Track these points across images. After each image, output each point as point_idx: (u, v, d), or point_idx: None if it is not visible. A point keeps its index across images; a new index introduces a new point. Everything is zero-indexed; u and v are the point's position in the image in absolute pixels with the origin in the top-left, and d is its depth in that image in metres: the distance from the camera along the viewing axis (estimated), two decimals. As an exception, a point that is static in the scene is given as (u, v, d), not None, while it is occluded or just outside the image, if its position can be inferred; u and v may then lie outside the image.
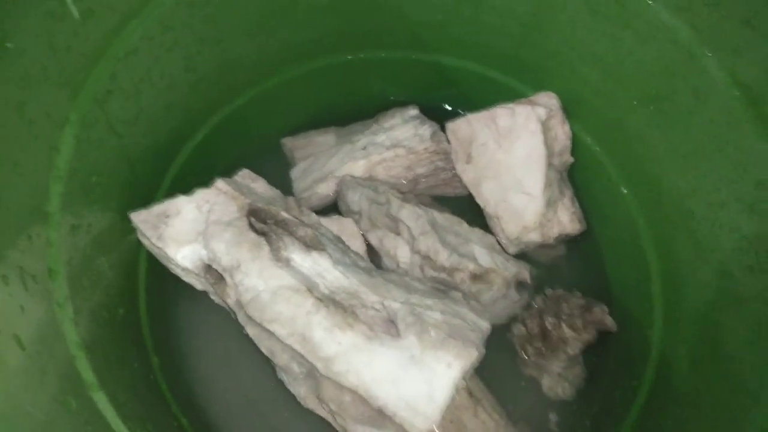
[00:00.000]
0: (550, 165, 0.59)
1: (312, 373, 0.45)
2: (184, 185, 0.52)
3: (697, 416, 0.46)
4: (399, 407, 0.43)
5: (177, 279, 0.52)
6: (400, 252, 0.58)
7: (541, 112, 0.58)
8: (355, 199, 0.60)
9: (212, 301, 0.53)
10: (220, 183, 0.51)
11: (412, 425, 0.43)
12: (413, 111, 0.64)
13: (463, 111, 0.65)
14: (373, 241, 0.59)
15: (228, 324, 0.52)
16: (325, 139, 0.64)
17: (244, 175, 0.56)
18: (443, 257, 0.56)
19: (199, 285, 0.53)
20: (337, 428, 0.46)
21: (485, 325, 0.48)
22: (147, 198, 0.51)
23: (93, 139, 0.44)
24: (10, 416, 0.25)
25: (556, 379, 0.55)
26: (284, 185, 0.59)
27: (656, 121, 0.54)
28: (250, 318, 0.46)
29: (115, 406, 0.35)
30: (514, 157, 0.59)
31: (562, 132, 0.60)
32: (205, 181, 0.51)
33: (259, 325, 0.46)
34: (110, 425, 0.34)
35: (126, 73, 0.45)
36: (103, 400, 0.35)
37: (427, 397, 0.43)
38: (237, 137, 0.60)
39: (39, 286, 0.35)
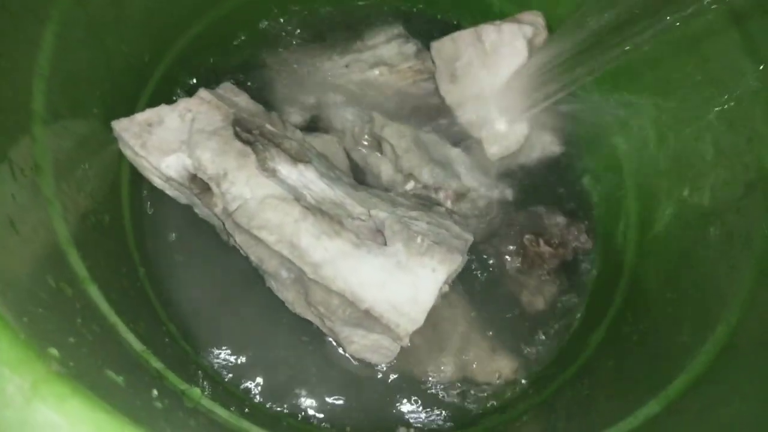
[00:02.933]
0: (533, 85, 0.59)
1: (300, 279, 0.47)
2: (165, 98, 0.52)
3: (668, 322, 0.49)
4: (385, 309, 0.45)
5: (160, 193, 0.52)
6: (384, 170, 0.59)
7: (527, 30, 0.58)
8: (338, 116, 0.60)
9: (196, 215, 0.53)
10: (203, 92, 0.51)
11: (398, 325, 0.45)
12: (397, 29, 0.64)
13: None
14: (357, 159, 0.60)
15: (212, 237, 0.53)
16: (308, 54, 0.64)
17: (227, 89, 0.55)
18: (426, 175, 0.58)
19: (183, 198, 0.53)
20: (325, 331, 0.48)
21: (468, 236, 0.50)
22: (128, 110, 0.50)
23: (74, 39, 0.43)
24: (18, 287, 0.26)
25: (534, 293, 0.58)
26: (266, 104, 0.59)
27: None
28: (237, 225, 0.47)
29: (108, 300, 0.36)
30: (499, 76, 0.60)
31: (546, 52, 0.61)
32: (186, 94, 0.50)
33: (247, 232, 0.47)
34: (105, 316, 0.35)
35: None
36: (96, 293, 0.36)
37: (412, 300, 0.45)
38: (216, 50, 0.59)
39: (27, 180, 0.35)
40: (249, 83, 0.60)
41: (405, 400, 0.51)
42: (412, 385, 0.52)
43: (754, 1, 0.47)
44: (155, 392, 0.29)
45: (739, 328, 0.43)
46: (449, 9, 0.67)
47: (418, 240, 0.47)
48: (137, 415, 0.21)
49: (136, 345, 0.34)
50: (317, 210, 0.48)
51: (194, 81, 0.59)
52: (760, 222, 0.45)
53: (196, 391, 0.34)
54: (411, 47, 0.63)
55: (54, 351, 0.22)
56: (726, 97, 0.50)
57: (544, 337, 0.56)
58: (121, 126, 0.48)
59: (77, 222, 0.39)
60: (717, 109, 0.50)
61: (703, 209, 0.51)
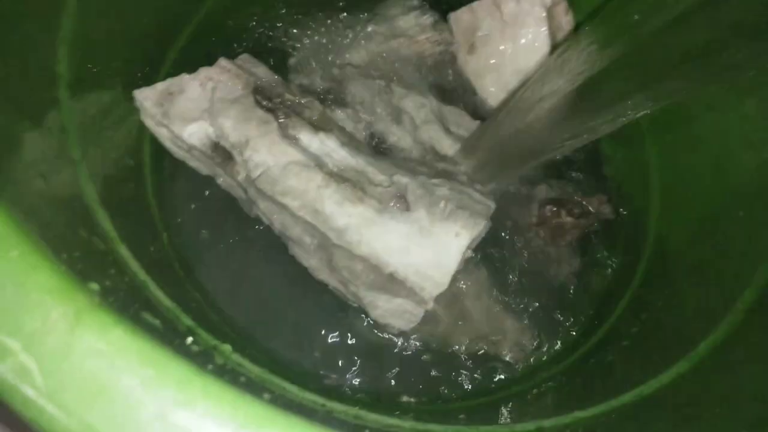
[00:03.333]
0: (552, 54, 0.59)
1: (324, 244, 0.47)
2: (185, 68, 0.52)
3: (693, 287, 0.49)
4: (410, 273, 0.45)
5: (182, 164, 0.53)
6: (403, 141, 0.59)
7: (547, -2, 0.58)
8: (356, 88, 0.60)
9: (218, 186, 0.53)
10: (223, 61, 0.51)
11: (423, 289, 0.45)
12: (414, 0, 0.64)
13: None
14: (375, 131, 0.60)
15: (234, 208, 0.53)
16: (323, 25, 0.64)
17: (245, 59, 0.55)
18: (446, 146, 0.57)
19: (204, 169, 0.53)
20: (349, 296, 0.48)
21: (491, 203, 0.50)
22: (149, 80, 0.51)
23: (95, 4, 0.43)
24: (54, 231, 0.26)
25: (556, 264, 0.58)
26: (283, 76, 0.59)
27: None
28: (260, 192, 0.47)
29: (137, 259, 0.36)
30: (518, 46, 0.59)
31: (565, 21, 0.60)
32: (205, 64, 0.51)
33: (270, 199, 0.47)
34: (135, 273, 0.35)
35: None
36: (126, 252, 0.36)
37: (436, 264, 0.45)
38: (233, 21, 0.59)
39: (55, 140, 0.35)
40: (266, 55, 0.60)
41: (426, 370, 0.51)
42: (433, 355, 0.52)
43: None
44: (190, 339, 0.29)
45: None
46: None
47: (441, 204, 0.47)
48: (177, 352, 0.21)
49: (167, 302, 0.35)
50: (339, 177, 0.48)
51: (213, 51, 0.59)
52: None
53: (227, 347, 0.34)
54: (428, 18, 0.63)
55: (95, 285, 0.22)
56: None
57: (566, 308, 0.56)
58: (143, 95, 0.49)
59: (103, 186, 0.40)
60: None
61: (728, 180, 0.50)
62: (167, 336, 0.26)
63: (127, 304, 0.25)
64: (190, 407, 0.19)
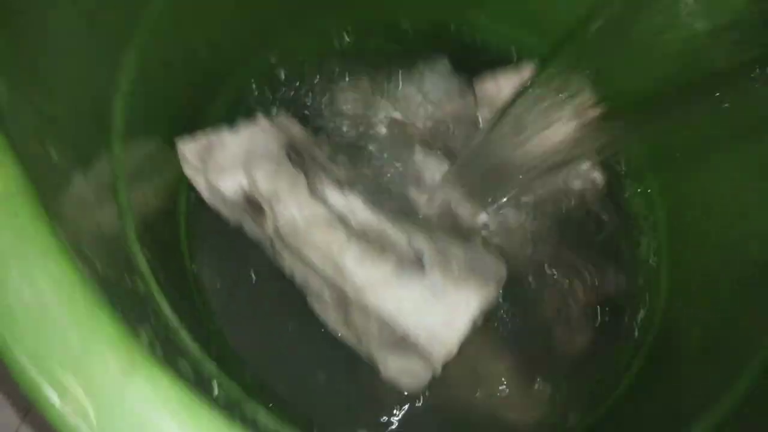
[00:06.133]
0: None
1: (342, 300, 0.50)
2: (226, 120, 0.56)
3: (698, 362, 0.51)
4: (421, 335, 0.47)
5: (213, 211, 0.56)
6: (422, 201, 0.62)
7: (569, 76, 0.61)
8: (382, 146, 0.64)
9: (245, 233, 0.57)
10: (262, 120, 0.55)
11: (432, 352, 0.47)
12: (443, 63, 0.68)
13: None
14: (396, 187, 0.63)
15: (259, 256, 0.56)
16: (357, 83, 0.67)
17: (282, 118, 0.59)
18: (463, 207, 0.60)
19: (234, 216, 0.57)
20: (362, 353, 0.51)
21: (502, 268, 0.53)
22: (191, 129, 0.55)
23: (151, 61, 0.47)
24: (107, 277, 0.29)
25: (568, 332, 0.60)
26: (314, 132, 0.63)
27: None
28: (285, 244, 0.50)
29: (170, 305, 0.39)
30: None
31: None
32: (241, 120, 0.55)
33: (295, 252, 0.50)
34: (168, 318, 0.38)
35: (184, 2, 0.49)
36: (161, 296, 0.39)
37: (447, 328, 0.48)
38: (271, 81, 0.64)
39: (105, 186, 0.39)
40: (298, 112, 0.64)
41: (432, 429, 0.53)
42: (441, 417, 0.54)
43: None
44: (216, 389, 0.31)
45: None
46: (499, 42, 0.70)
47: (456, 269, 0.50)
48: (211, 405, 0.24)
49: (194, 350, 0.37)
50: (361, 235, 0.51)
51: (252, 105, 0.63)
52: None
53: (246, 398, 0.37)
54: (454, 82, 0.67)
55: (143, 334, 0.25)
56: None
57: (575, 378, 0.58)
58: (185, 145, 0.53)
59: (144, 229, 0.43)
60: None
61: (733, 259, 0.53)
62: (197, 384, 0.29)
63: (167, 351, 0.28)
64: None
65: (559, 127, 0.52)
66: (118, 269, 0.33)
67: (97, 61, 0.41)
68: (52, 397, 0.22)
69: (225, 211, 0.56)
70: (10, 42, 0.30)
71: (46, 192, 0.28)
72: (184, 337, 0.37)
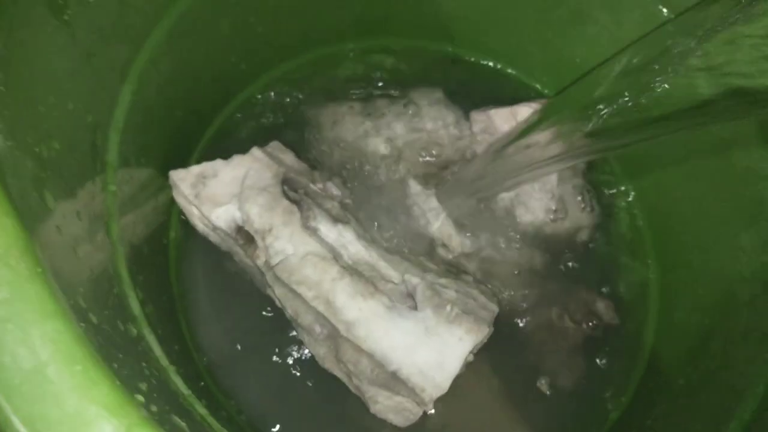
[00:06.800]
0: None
1: (332, 335, 0.50)
2: (218, 151, 0.56)
3: (683, 410, 0.51)
4: (412, 373, 0.48)
5: (202, 238, 0.56)
6: (414, 235, 0.62)
7: (561, 113, 0.62)
8: (375, 177, 0.64)
9: (234, 262, 0.57)
10: (256, 151, 0.55)
11: (423, 390, 0.47)
12: (438, 94, 0.69)
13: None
14: (388, 219, 0.63)
15: (247, 285, 0.56)
16: (349, 112, 0.68)
17: (275, 147, 0.59)
18: (456, 243, 0.61)
19: (224, 246, 0.57)
20: (352, 388, 0.51)
21: (494, 307, 0.53)
22: (182, 159, 0.55)
23: (146, 96, 0.47)
24: (103, 333, 0.29)
25: (558, 369, 0.60)
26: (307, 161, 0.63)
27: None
28: (277, 278, 0.50)
29: (159, 342, 0.39)
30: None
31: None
32: (233, 150, 0.55)
33: (287, 286, 0.50)
34: (158, 359, 0.38)
35: (180, 36, 0.49)
36: (150, 335, 0.39)
37: (438, 366, 0.48)
38: (265, 108, 0.64)
39: (97, 221, 0.39)
40: (291, 140, 0.64)
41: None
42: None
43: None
44: (208, 438, 0.31)
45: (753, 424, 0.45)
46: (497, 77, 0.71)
47: (448, 308, 0.50)
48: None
49: (183, 389, 0.37)
50: (354, 270, 0.51)
51: (245, 133, 0.63)
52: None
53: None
54: (451, 113, 0.67)
55: (140, 396, 0.25)
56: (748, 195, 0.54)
57: (564, 415, 0.58)
58: (178, 176, 0.53)
59: (134, 264, 0.43)
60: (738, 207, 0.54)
61: (723, 301, 0.53)
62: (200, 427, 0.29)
63: (162, 409, 0.28)
64: None
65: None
66: (111, 317, 0.33)
67: (95, 99, 0.41)
68: (48, 463, 0.22)
69: (214, 239, 0.56)
70: (11, 91, 0.30)
71: (42, 242, 0.28)
72: (174, 378, 0.37)
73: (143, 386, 0.28)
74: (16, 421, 0.22)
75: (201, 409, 0.38)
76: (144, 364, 0.33)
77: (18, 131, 0.30)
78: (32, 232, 0.27)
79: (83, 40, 0.39)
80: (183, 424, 0.29)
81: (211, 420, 0.37)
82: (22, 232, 0.26)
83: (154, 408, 0.25)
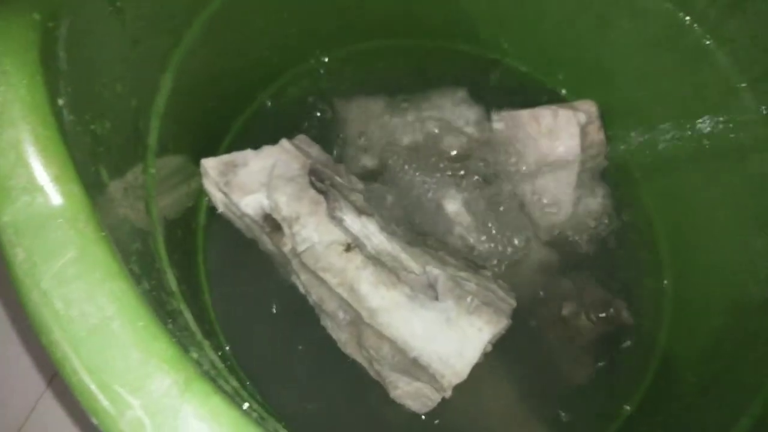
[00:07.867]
0: (583, 168, 0.65)
1: (355, 321, 0.51)
2: (246, 141, 0.58)
3: (695, 407, 0.53)
4: (432, 359, 0.49)
5: (229, 224, 0.58)
6: (436, 230, 0.64)
7: (582, 117, 0.64)
8: (400, 174, 0.66)
9: (258, 249, 0.58)
10: (285, 142, 0.57)
11: (443, 376, 0.49)
12: (461, 93, 0.70)
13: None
14: (411, 215, 0.65)
15: (272, 272, 0.58)
16: (375, 106, 0.69)
17: (301, 140, 0.61)
18: (477, 241, 0.62)
19: (248, 233, 0.58)
20: (372, 373, 0.52)
21: (512, 301, 0.55)
22: (213, 147, 0.56)
23: (185, 84, 0.49)
24: (154, 300, 0.31)
25: (572, 365, 0.61)
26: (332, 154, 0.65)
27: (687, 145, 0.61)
28: (303, 265, 0.52)
29: (195, 319, 0.41)
30: (550, 158, 0.65)
31: (597, 138, 0.66)
32: (260, 141, 0.57)
33: (312, 273, 0.52)
34: (194, 333, 0.39)
35: (217, 29, 0.51)
36: (187, 311, 0.40)
37: (458, 354, 0.49)
38: (292, 100, 0.66)
39: (140, 201, 0.41)
40: (318, 133, 0.66)
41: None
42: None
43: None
44: (246, 405, 0.33)
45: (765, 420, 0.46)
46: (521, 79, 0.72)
47: (468, 299, 0.51)
48: (256, 423, 0.26)
49: (219, 364, 0.39)
50: (377, 260, 0.53)
51: (272, 126, 0.65)
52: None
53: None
54: (473, 114, 0.69)
55: (194, 354, 0.27)
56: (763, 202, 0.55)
57: (577, 410, 0.59)
58: (209, 164, 0.54)
59: (169, 244, 0.45)
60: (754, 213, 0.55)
61: (736, 304, 0.55)
62: (237, 402, 0.30)
63: (208, 369, 0.29)
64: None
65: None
66: (158, 288, 0.35)
67: (139, 83, 0.43)
68: (111, 410, 0.24)
69: (239, 225, 0.58)
70: (72, 70, 0.32)
71: (101, 211, 0.29)
72: (209, 353, 0.39)
73: (196, 350, 0.30)
74: (82, 371, 0.24)
75: (235, 384, 0.39)
76: (186, 333, 0.35)
77: (78, 107, 0.32)
78: (94, 200, 0.28)
79: (131, 27, 0.41)
80: (228, 387, 0.30)
81: (243, 393, 0.39)
82: (88, 198, 0.28)
83: (205, 366, 0.27)
